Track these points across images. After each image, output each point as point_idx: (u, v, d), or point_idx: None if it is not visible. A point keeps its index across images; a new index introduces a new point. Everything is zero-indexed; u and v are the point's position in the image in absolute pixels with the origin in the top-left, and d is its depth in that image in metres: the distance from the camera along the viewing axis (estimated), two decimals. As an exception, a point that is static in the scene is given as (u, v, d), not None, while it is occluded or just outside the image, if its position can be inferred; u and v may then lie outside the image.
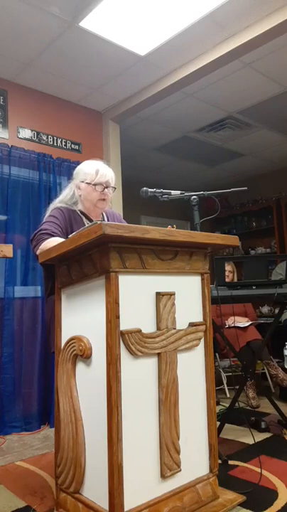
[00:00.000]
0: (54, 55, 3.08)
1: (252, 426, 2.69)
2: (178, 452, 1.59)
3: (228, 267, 3.82)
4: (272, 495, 1.81)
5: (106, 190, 2.12)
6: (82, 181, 2.12)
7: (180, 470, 1.59)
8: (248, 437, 2.50)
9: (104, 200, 2.13)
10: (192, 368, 1.71)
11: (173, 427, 1.59)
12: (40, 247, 1.89)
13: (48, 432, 2.97)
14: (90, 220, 2.13)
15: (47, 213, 2.11)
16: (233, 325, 3.51)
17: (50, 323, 2.02)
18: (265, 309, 5.45)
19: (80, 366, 1.63)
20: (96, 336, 1.53)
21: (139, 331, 1.52)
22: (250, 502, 1.73)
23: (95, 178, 2.09)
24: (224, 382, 3.57)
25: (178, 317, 1.66)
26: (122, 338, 1.47)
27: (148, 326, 1.56)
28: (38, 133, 3.50)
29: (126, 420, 1.45)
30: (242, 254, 6.03)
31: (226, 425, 2.65)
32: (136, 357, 1.51)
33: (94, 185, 2.09)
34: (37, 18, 2.68)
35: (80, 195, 2.14)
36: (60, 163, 3.52)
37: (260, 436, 2.55)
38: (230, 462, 2.18)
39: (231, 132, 4.56)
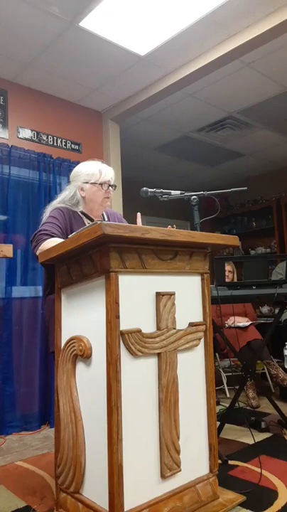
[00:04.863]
0: (54, 55, 3.08)
1: (252, 426, 2.69)
2: (178, 452, 1.59)
3: (228, 267, 3.82)
4: (272, 495, 1.81)
5: (109, 188, 2.13)
6: (86, 182, 2.11)
7: (180, 470, 1.60)
8: (248, 437, 2.50)
9: (108, 198, 2.14)
10: (192, 368, 1.71)
11: (173, 427, 1.59)
12: (40, 247, 1.89)
13: (48, 431, 2.97)
14: (91, 220, 2.13)
15: (47, 214, 2.10)
16: (233, 325, 3.51)
17: (49, 323, 2.02)
18: (265, 309, 5.45)
19: (80, 366, 1.63)
20: (96, 336, 1.53)
21: (139, 331, 1.52)
22: (250, 502, 1.73)
23: (100, 178, 2.10)
24: (224, 382, 3.57)
25: (178, 317, 1.66)
26: (122, 338, 1.47)
27: (148, 326, 1.56)
28: (38, 133, 3.50)
29: (126, 420, 1.45)
30: (242, 254, 6.03)
31: (226, 425, 2.65)
32: (136, 357, 1.51)
33: (100, 184, 2.09)
34: (37, 18, 2.68)
35: (84, 197, 2.12)
36: (60, 163, 3.52)
37: (260, 436, 2.55)
38: (230, 462, 2.18)
39: (231, 132, 4.56)
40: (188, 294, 1.73)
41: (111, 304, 1.45)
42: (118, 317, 1.46)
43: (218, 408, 3.10)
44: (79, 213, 2.13)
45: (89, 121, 3.91)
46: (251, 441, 2.45)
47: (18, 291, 3.17)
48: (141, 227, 1.46)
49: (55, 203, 2.15)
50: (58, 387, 1.70)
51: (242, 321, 3.63)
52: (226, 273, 3.72)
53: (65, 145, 3.66)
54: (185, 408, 1.64)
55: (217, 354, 3.54)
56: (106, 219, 2.26)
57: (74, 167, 2.23)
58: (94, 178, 2.10)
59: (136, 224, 1.97)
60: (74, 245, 1.50)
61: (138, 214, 2.06)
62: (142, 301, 1.56)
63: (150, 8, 2.64)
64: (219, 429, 2.43)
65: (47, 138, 3.55)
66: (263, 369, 3.54)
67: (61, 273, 1.74)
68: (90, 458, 1.55)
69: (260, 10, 2.72)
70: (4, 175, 3.21)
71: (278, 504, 1.73)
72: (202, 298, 1.79)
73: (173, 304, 1.64)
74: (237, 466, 2.14)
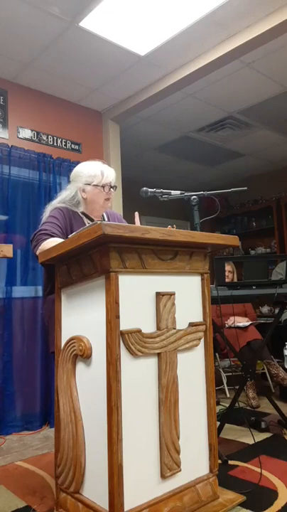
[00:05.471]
0: (54, 55, 3.08)
1: (252, 426, 2.69)
2: (178, 452, 1.59)
3: (228, 267, 3.82)
4: (272, 495, 1.81)
5: (111, 189, 2.13)
6: (88, 183, 2.09)
7: (180, 470, 1.60)
8: (248, 437, 2.50)
9: (109, 199, 2.14)
10: (192, 368, 1.71)
11: (173, 427, 1.59)
12: (40, 247, 1.89)
13: (48, 431, 2.97)
14: (91, 220, 2.13)
15: (47, 214, 2.09)
16: (233, 325, 3.51)
17: (49, 323, 2.02)
18: (265, 309, 5.45)
19: (80, 366, 1.63)
20: (96, 336, 1.53)
21: (139, 331, 1.52)
22: (250, 502, 1.73)
23: (102, 180, 2.08)
24: (224, 382, 3.57)
25: (178, 317, 1.66)
26: (122, 338, 1.47)
27: (148, 326, 1.56)
28: (37, 133, 3.50)
29: (126, 420, 1.45)
30: (242, 254, 6.03)
31: (226, 425, 2.65)
32: (136, 357, 1.51)
33: (102, 186, 2.09)
34: (37, 18, 2.68)
35: (85, 198, 2.11)
36: (60, 163, 3.52)
37: (260, 436, 2.55)
38: (230, 462, 2.18)
39: (231, 132, 4.56)
40: (188, 294, 1.73)
41: (111, 304, 1.45)
42: (118, 317, 1.46)
43: (218, 408, 3.10)
44: (80, 213, 2.12)
45: (89, 121, 3.91)
46: (251, 441, 2.45)
47: (18, 291, 3.17)
48: (141, 227, 1.46)
49: (55, 203, 2.15)
50: (58, 387, 1.70)
51: (242, 321, 3.63)
52: (226, 273, 3.72)
53: (65, 145, 3.66)
54: (185, 408, 1.64)
55: (217, 354, 3.54)
56: (106, 219, 2.26)
57: (74, 167, 2.22)
58: (96, 179, 2.09)
59: (135, 224, 1.97)
60: (74, 245, 1.50)
61: (136, 213, 2.05)
62: (142, 301, 1.56)
63: (150, 8, 2.64)
64: (219, 429, 2.43)
65: (47, 138, 3.55)
66: (263, 369, 3.54)
67: (61, 273, 1.74)
68: (90, 458, 1.55)
69: (260, 10, 2.72)
70: (4, 175, 3.21)
71: (278, 504, 1.73)
72: (202, 298, 1.79)
73: (173, 304, 1.64)
74: (237, 466, 2.14)
